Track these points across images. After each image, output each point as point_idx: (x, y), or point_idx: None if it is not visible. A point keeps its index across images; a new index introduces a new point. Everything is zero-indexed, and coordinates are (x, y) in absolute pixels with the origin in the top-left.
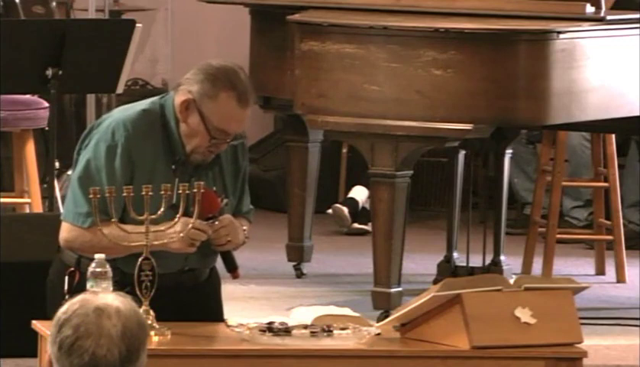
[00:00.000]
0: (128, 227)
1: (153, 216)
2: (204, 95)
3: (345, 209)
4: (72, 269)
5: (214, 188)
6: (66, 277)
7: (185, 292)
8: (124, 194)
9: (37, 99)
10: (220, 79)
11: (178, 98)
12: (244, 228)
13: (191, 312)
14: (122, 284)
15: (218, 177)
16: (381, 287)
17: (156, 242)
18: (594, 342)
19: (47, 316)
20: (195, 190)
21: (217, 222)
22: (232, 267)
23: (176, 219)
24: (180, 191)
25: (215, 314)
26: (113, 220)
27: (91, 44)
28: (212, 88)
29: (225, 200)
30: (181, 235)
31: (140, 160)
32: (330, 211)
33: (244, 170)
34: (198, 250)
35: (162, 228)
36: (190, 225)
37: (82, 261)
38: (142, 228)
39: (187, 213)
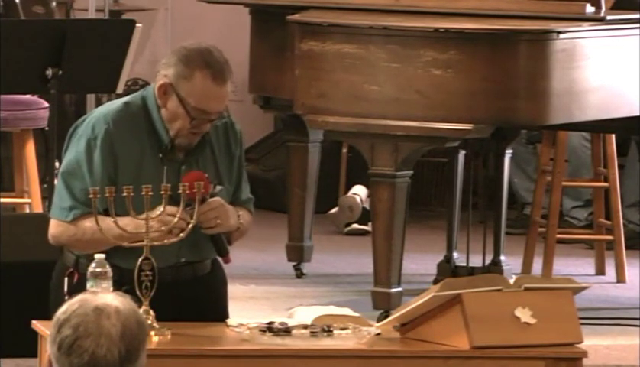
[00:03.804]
0: (120, 221)
1: (152, 215)
2: (179, 77)
3: (357, 197)
4: (71, 270)
5: (207, 175)
6: (66, 279)
7: (185, 286)
8: (124, 194)
9: (37, 99)
10: (193, 60)
11: (156, 84)
12: (240, 213)
13: (192, 306)
14: (120, 282)
15: (210, 163)
16: (381, 287)
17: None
18: (594, 342)
19: (49, 317)
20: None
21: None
22: (223, 252)
23: (158, 212)
24: (163, 191)
25: (218, 309)
26: (113, 219)
27: (91, 44)
28: (186, 68)
29: (219, 187)
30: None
31: (124, 152)
32: (333, 210)
33: (238, 157)
34: (190, 241)
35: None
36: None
37: (80, 261)
38: (127, 221)
39: (188, 205)
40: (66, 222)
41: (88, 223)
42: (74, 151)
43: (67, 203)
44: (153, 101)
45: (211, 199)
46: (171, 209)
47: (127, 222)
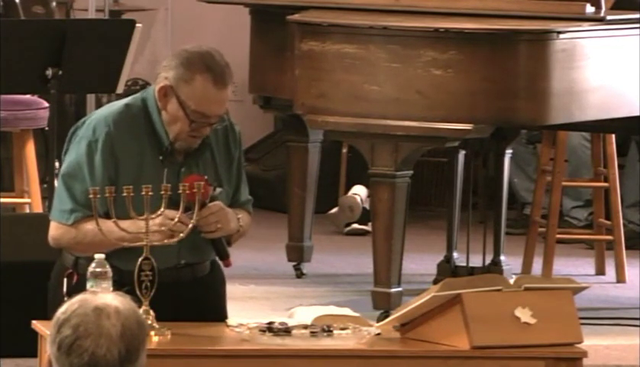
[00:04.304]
0: (121, 223)
1: (153, 216)
2: (180, 80)
3: (357, 197)
4: (70, 271)
5: (206, 177)
6: (65, 279)
7: (185, 287)
8: (124, 194)
9: (37, 99)
10: (194, 63)
11: (156, 86)
12: (239, 216)
13: (192, 307)
14: (120, 283)
15: (209, 165)
16: (381, 287)
17: (154, 242)
18: (594, 342)
19: (48, 317)
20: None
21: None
22: (223, 256)
23: (159, 212)
24: (163, 191)
25: (217, 310)
26: (113, 220)
27: (91, 44)
28: (187, 72)
29: (219, 189)
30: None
31: (125, 154)
32: (333, 210)
33: (237, 158)
34: (190, 243)
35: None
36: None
37: (80, 262)
38: (128, 224)
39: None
40: (66, 225)
41: (89, 226)
42: (74, 153)
43: (68, 206)
44: (153, 103)
45: (210, 204)
46: (171, 212)
47: (128, 225)
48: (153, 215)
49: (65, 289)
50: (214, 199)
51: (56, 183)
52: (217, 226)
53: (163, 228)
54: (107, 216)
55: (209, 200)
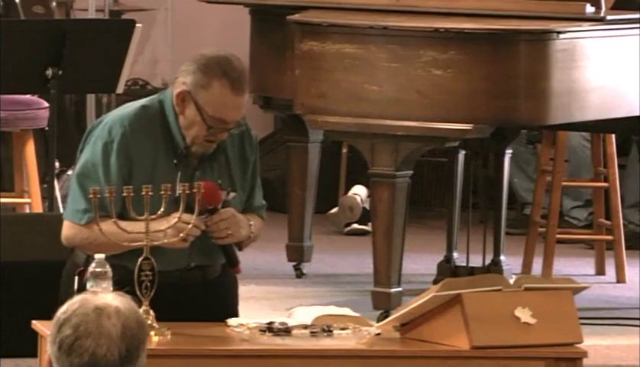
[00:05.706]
0: (127, 225)
1: (152, 217)
2: (197, 86)
3: (357, 197)
4: (82, 269)
5: (220, 181)
6: (76, 277)
7: (195, 289)
8: (124, 194)
9: (37, 99)
10: (212, 68)
11: (174, 91)
12: (251, 223)
13: (203, 310)
14: (125, 282)
15: (224, 169)
16: (381, 287)
17: (155, 242)
18: (594, 342)
19: (52, 317)
20: (196, 187)
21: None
22: (233, 262)
23: (174, 215)
24: (180, 191)
25: (228, 313)
26: (113, 219)
27: (91, 44)
28: (205, 77)
29: (232, 194)
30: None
31: (139, 156)
32: (333, 210)
33: (253, 163)
34: (201, 246)
35: (161, 227)
36: (178, 219)
37: (91, 260)
38: (140, 225)
39: (190, 209)
40: (79, 225)
41: (103, 226)
42: (90, 153)
43: (81, 206)
44: (170, 106)
45: (222, 210)
46: (186, 216)
47: (141, 227)
48: (154, 216)
49: (76, 287)
50: (226, 204)
51: (56, 183)
52: (227, 232)
53: (164, 226)
54: (121, 217)
55: (222, 205)
